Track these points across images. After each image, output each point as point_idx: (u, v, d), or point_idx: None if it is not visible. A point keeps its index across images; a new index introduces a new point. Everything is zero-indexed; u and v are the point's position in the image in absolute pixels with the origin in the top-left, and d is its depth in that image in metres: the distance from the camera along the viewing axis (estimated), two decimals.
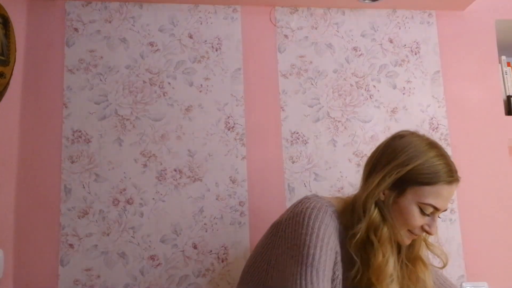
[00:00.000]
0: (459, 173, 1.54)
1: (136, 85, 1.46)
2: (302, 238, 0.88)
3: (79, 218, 1.36)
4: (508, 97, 1.65)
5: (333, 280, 0.91)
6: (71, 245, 1.35)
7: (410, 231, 0.96)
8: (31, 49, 1.43)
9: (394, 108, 1.56)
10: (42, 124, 1.40)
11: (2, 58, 1.19)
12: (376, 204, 0.94)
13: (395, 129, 1.54)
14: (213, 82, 1.49)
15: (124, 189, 1.39)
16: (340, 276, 0.92)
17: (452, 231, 1.50)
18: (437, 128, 1.56)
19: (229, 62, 1.51)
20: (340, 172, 1.49)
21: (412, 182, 0.93)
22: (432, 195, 0.92)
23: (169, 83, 1.47)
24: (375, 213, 0.93)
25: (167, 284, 1.36)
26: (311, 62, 1.55)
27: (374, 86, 1.56)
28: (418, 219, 0.93)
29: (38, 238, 1.34)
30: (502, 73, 1.66)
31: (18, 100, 1.38)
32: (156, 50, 1.49)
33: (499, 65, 1.65)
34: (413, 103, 1.57)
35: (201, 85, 1.48)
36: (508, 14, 1.67)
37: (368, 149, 1.51)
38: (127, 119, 1.43)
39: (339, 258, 0.93)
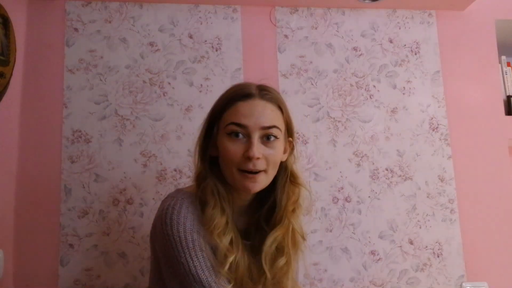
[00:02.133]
0: (460, 173, 1.54)
1: (136, 85, 1.46)
2: (172, 253, 0.86)
3: (79, 218, 1.36)
4: (508, 97, 1.65)
5: None
6: (71, 245, 1.35)
7: (240, 170, 0.90)
8: (31, 49, 1.43)
9: (394, 108, 1.56)
10: (42, 124, 1.40)
11: (2, 58, 1.19)
12: (204, 162, 0.95)
13: (395, 129, 1.54)
14: (213, 82, 1.49)
15: (124, 189, 1.39)
16: None
17: (452, 231, 1.50)
18: (437, 128, 1.56)
19: (229, 62, 1.51)
20: (340, 172, 1.49)
21: (214, 120, 0.94)
22: (229, 116, 0.91)
23: (169, 83, 1.47)
24: (199, 168, 0.95)
25: None
26: (311, 62, 1.55)
27: (374, 86, 1.56)
28: (232, 147, 0.89)
29: (38, 238, 1.34)
30: (502, 73, 1.66)
31: (18, 100, 1.38)
32: (156, 50, 1.49)
33: (499, 65, 1.65)
34: (413, 103, 1.57)
35: (201, 85, 1.48)
36: (508, 14, 1.67)
37: (368, 149, 1.51)
38: (127, 119, 1.43)
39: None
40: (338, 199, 1.47)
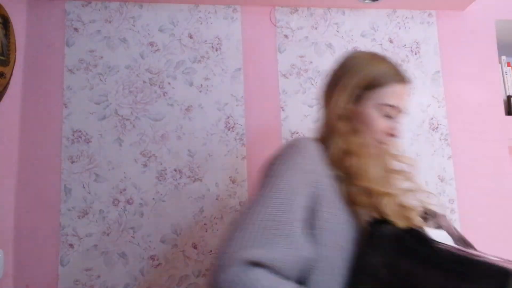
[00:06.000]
0: (460, 173, 1.54)
1: (136, 85, 1.46)
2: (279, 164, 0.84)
3: (79, 218, 1.36)
4: (508, 97, 1.65)
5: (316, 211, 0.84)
6: (71, 245, 1.35)
7: (376, 140, 0.96)
8: (31, 49, 1.43)
9: None
10: (42, 124, 1.40)
11: (2, 58, 1.19)
12: (342, 119, 0.96)
13: None
14: (213, 82, 1.49)
15: (124, 189, 1.39)
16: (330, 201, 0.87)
17: None
18: (437, 128, 1.56)
19: (229, 62, 1.51)
20: None
21: (367, 88, 0.97)
22: (387, 95, 0.96)
23: (169, 83, 1.47)
24: (342, 126, 0.95)
25: (167, 284, 1.36)
26: (311, 62, 1.55)
27: None
28: (381, 122, 0.95)
29: (38, 238, 1.34)
30: (502, 73, 1.66)
31: (18, 100, 1.38)
32: (156, 50, 1.49)
33: (499, 65, 1.65)
34: (413, 103, 1.57)
35: (201, 85, 1.48)
36: (508, 14, 1.67)
37: None
38: (127, 119, 1.43)
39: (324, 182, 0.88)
40: None
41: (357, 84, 0.97)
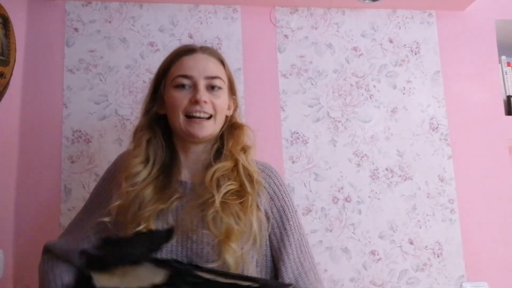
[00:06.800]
0: (460, 173, 1.54)
1: (136, 85, 1.46)
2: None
3: None
4: (508, 97, 1.65)
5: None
6: None
7: (186, 115, 0.97)
8: (31, 49, 1.43)
9: (394, 108, 1.56)
10: (42, 124, 1.40)
11: (2, 58, 1.19)
12: (146, 116, 1.03)
13: (395, 129, 1.54)
14: None
15: None
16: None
17: (452, 231, 1.50)
18: (437, 128, 1.56)
19: (229, 62, 1.47)
20: (340, 172, 1.49)
21: (161, 78, 1.02)
22: (175, 70, 0.99)
23: None
24: (140, 122, 1.03)
25: None
26: (311, 62, 1.55)
27: (374, 86, 1.56)
28: (179, 96, 0.97)
29: (38, 238, 1.34)
30: (502, 73, 1.66)
31: (18, 100, 1.38)
32: (156, 50, 1.48)
33: (499, 65, 1.65)
34: (413, 103, 1.57)
35: None
36: (508, 14, 1.67)
37: (368, 149, 1.51)
38: (127, 119, 1.43)
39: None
40: (338, 199, 1.48)
41: (154, 80, 1.04)
